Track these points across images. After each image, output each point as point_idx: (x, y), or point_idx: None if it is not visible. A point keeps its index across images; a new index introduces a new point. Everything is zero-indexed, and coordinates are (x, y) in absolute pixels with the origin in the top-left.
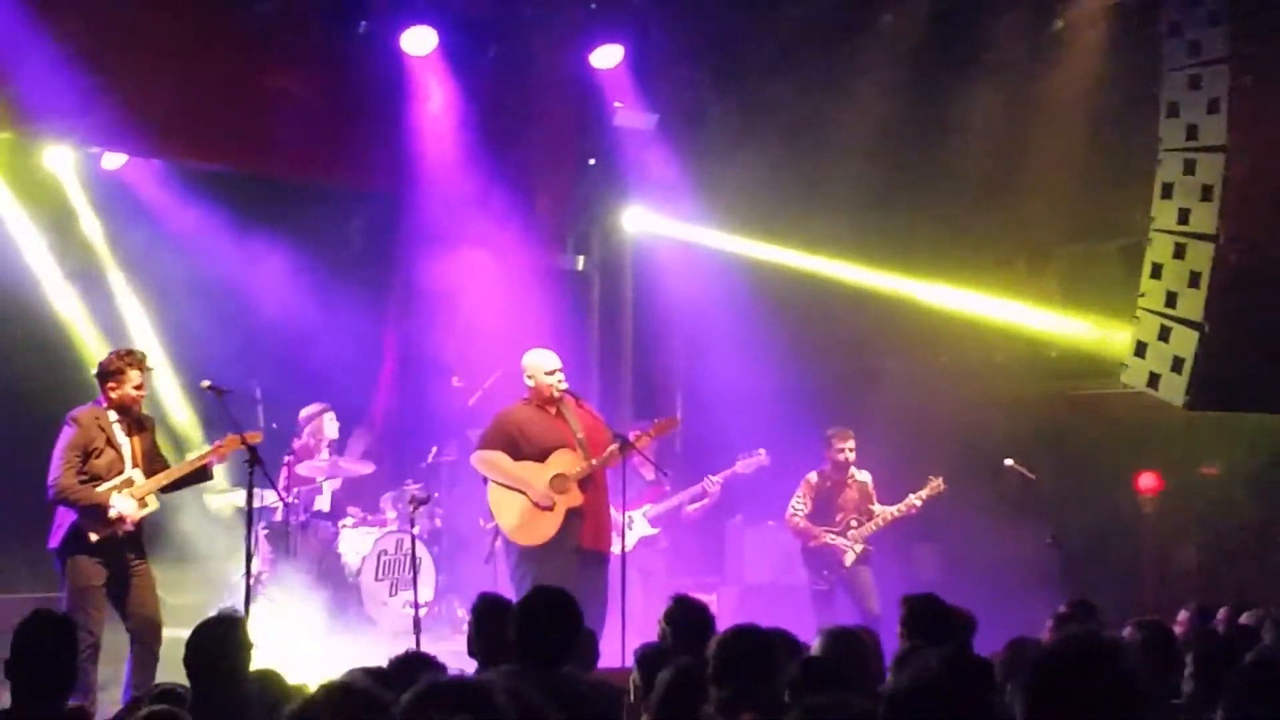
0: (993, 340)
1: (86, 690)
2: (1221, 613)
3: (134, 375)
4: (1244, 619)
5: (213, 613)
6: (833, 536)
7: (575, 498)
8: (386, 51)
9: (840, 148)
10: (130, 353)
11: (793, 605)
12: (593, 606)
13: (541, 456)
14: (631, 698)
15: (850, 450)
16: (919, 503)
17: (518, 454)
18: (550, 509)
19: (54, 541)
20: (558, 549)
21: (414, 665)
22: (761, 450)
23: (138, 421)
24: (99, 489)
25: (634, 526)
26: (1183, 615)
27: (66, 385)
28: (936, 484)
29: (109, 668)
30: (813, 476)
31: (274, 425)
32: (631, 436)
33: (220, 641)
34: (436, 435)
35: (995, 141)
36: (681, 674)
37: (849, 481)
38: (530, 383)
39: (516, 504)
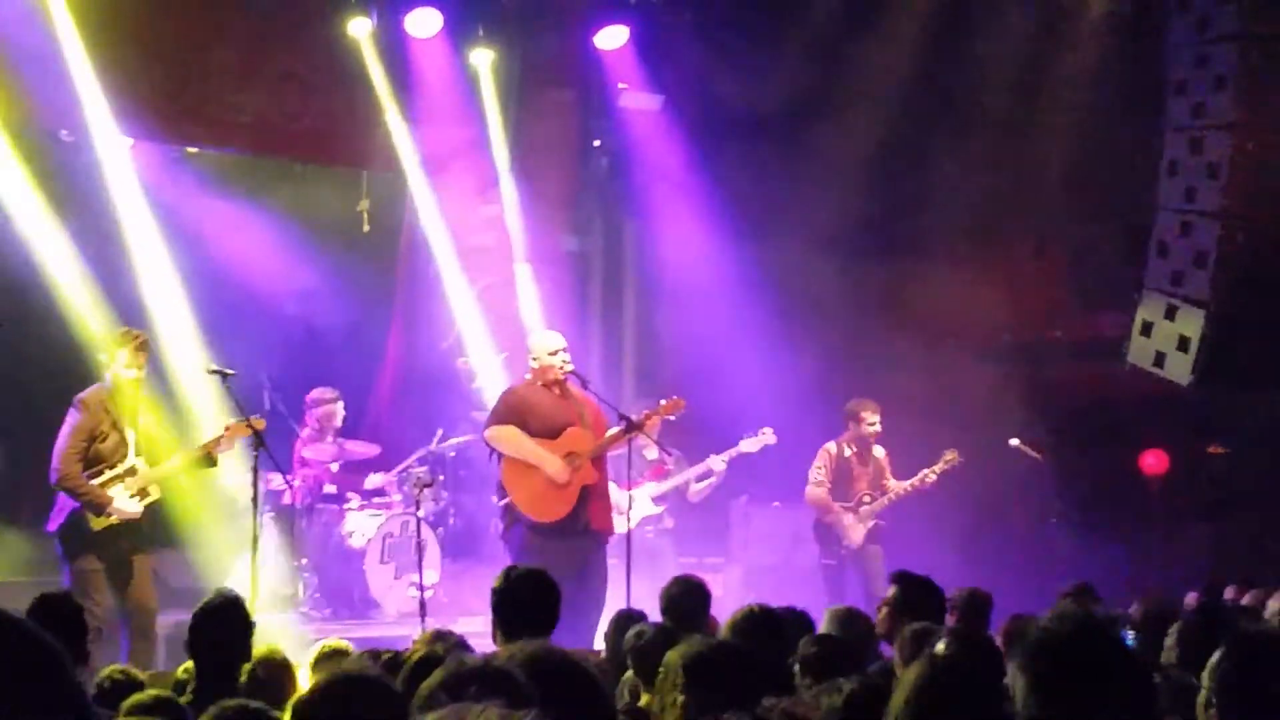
0: (1001, 320)
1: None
2: (1229, 591)
3: (123, 355)
4: (1246, 599)
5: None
6: (845, 516)
7: (589, 475)
8: (391, 34)
9: (845, 126)
10: (125, 332)
11: (798, 586)
12: (596, 586)
13: (551, 435)
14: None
15: (877, 423)
16: (934, 477)
17: (527, 432)
18: (567, 485)
19: (53, 525)
20: (569, 528)
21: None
22: (768, 429)
23: (138, 405)
24: (103, 478)
25: (636, 505)
26: (1191, 597)
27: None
28: (951, 457)
29: (113, 647)
30: (831, 447)
31: (282, 409)
32: (637, 417)
33: (221, 622)
34: (442, 418)
35: (1002, 116)
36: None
37: (868, 457)
38: (535, 364)
39: (532, 480)
